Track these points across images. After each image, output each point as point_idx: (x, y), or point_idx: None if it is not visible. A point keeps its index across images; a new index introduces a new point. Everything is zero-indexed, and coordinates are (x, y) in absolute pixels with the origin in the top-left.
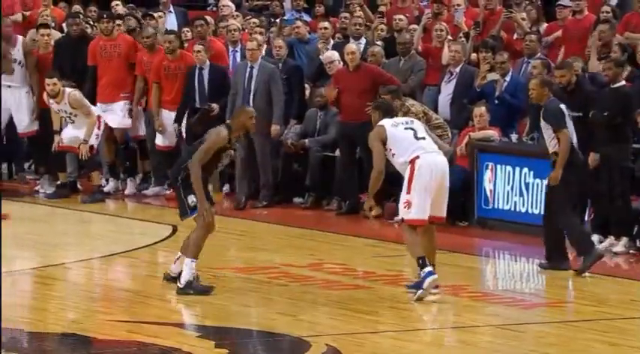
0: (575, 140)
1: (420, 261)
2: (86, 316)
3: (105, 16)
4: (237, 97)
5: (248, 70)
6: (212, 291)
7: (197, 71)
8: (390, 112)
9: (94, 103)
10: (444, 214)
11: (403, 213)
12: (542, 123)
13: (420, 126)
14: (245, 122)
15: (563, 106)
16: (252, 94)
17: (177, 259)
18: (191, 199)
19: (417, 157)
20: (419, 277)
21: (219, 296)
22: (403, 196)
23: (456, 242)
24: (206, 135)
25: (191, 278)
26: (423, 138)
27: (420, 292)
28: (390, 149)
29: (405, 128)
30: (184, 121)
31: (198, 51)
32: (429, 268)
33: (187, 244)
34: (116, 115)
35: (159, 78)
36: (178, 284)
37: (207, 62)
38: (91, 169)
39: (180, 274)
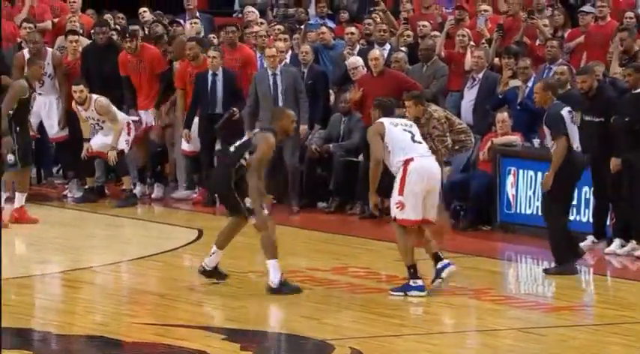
0: (576, 145)
1: (412, 270)
2: (113, 319)
3: (127, 34)
4: (264, 104)
5: (271, 77)
6: (302, 290)
7: (210, 77)
8: (390, 112)
9: (135, 109)
10: (435, 216)
11: (396, 213)
12: (544, 127)
13: (417, 130)
14: (288, 126)
15: (564, 111)
16: (280, 100)
17: (213, 253)
18: (249, 201)
19: (412, 159)
20: (406, 279)
21: (245, 299)
22: (395, 197)
23: (479, 246)
24: (242, 140)
25: (282, 278)
26: (420, 142)
27: (400, 294)
28: (387, 146)
29: (404, 130)
30: (194, 126)
31: (214, 57)
32: (420, 282)
33: (222, 237)
34: (151, 117)
35: (183, 84)
36: (271, 284)
37: (220, 68)
38: (122, 174)
39: (215, 268)
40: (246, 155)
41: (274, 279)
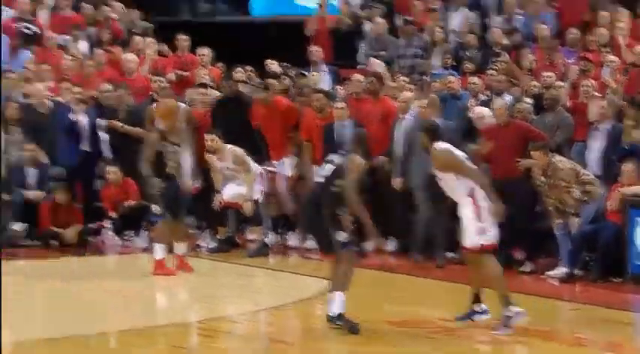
0: None
1: (506, 299)
2: None
3: (263, 85)
4: (416, 154)
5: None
6: (359, 330)
7: (337, 128)
8: (439, 136)
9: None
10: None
11: (481, 239)
12: None
13: None
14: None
15: None
16: None
17: (334, 298)
18: (342, 235)
19: (474, 188)
20: (503, 315)
21: (377, 347)
22: (475, 225)
23: (610, 298)
24: (328, 171)
25: (343, 311)
26: None
27: (506, 330)
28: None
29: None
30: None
31: (342, 108)
32: (518, 309)
33: (335, 278)
34: (286, 167)
35: (309, 136)
36: (329, 313)
37: (348, 118)
38: (255, 224)
39: (341, 315)
40: (335, 181)
41: (336, 310)
